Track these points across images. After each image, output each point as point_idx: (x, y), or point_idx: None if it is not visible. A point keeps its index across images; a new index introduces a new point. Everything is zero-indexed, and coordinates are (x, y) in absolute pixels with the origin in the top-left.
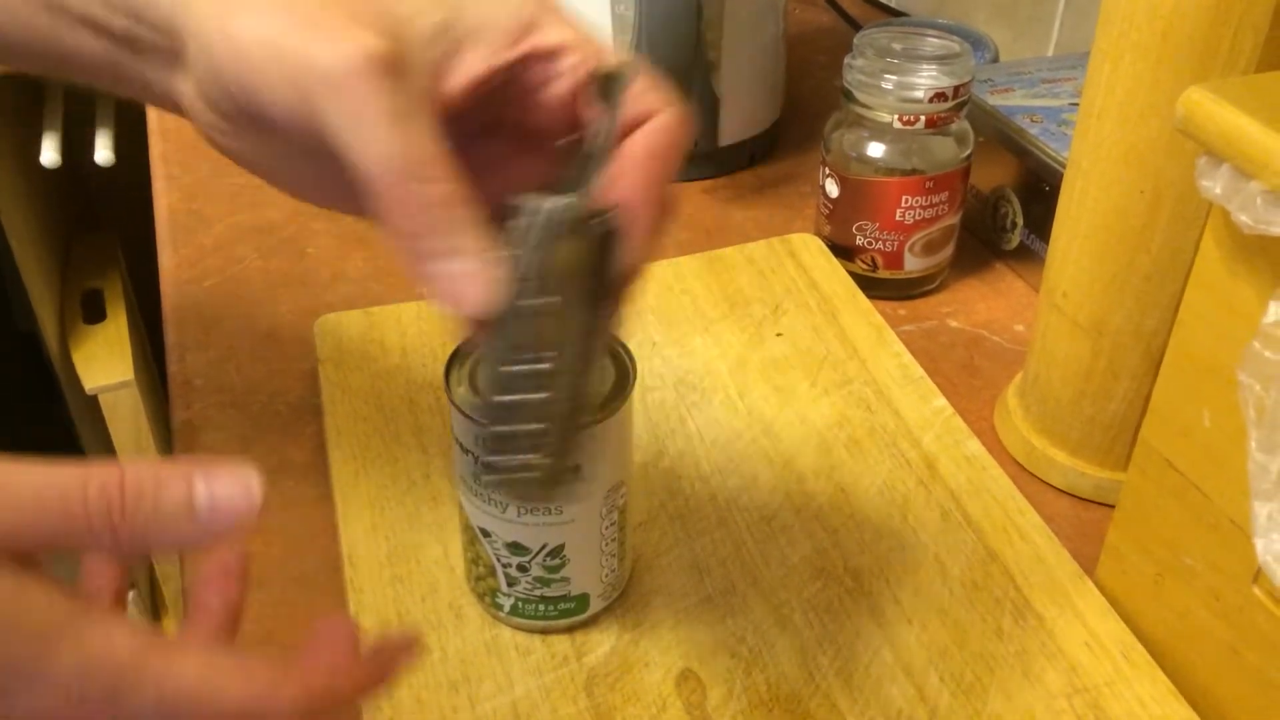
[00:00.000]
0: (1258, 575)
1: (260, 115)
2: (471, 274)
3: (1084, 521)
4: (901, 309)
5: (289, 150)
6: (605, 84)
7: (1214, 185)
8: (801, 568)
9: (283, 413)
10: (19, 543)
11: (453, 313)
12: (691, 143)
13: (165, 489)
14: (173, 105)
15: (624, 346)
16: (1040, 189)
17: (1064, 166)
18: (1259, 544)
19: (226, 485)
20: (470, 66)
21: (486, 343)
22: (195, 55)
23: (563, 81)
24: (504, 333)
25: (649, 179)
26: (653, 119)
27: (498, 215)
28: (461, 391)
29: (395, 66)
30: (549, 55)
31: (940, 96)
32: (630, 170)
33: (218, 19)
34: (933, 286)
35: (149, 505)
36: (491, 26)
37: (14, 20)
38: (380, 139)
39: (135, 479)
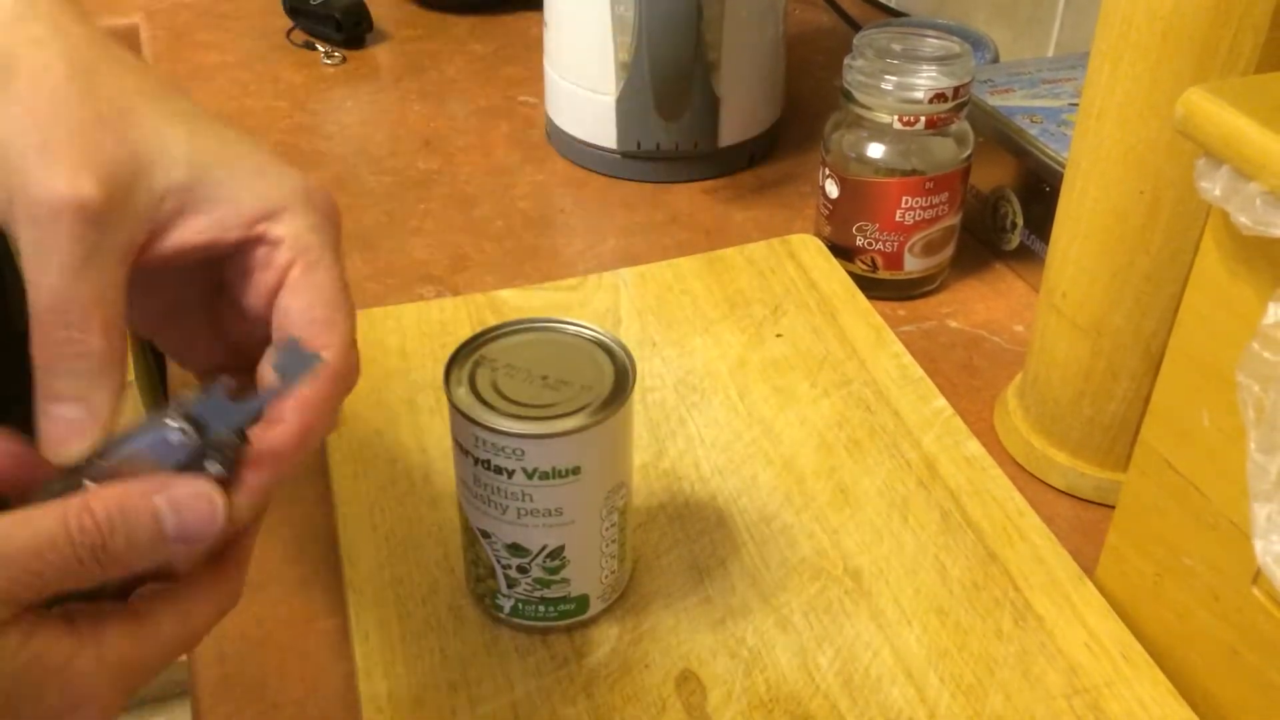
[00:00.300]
0: (1257, 576)
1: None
2: (72, 422)
3: (1084, 522)
4: (901, 309)
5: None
6: (289, 361)
7: (1213, 186)
8: (801, 568)
9: None
10: (29, 599)
11: (42, 451)
12: (692, 145)
13: (132, 520)
14: None
15: (623, 347)
16: (1040, 189)
17: (1064, 167)
18: (1258, 545)
19: (189, 505)
20: (190, 234)
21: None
22: None
23: (269, 274)
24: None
25: (303, 435)
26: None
27: (219, 367)
28: (461, 393)
29: (100, 218)
30: (272, 243)
31: (940, 97)
32: (289, 419)
33: None
34: (932, 287)
35: (121, 539)
36: (230, 202)
37: None
38: (52, 281)
39: (104, 513)
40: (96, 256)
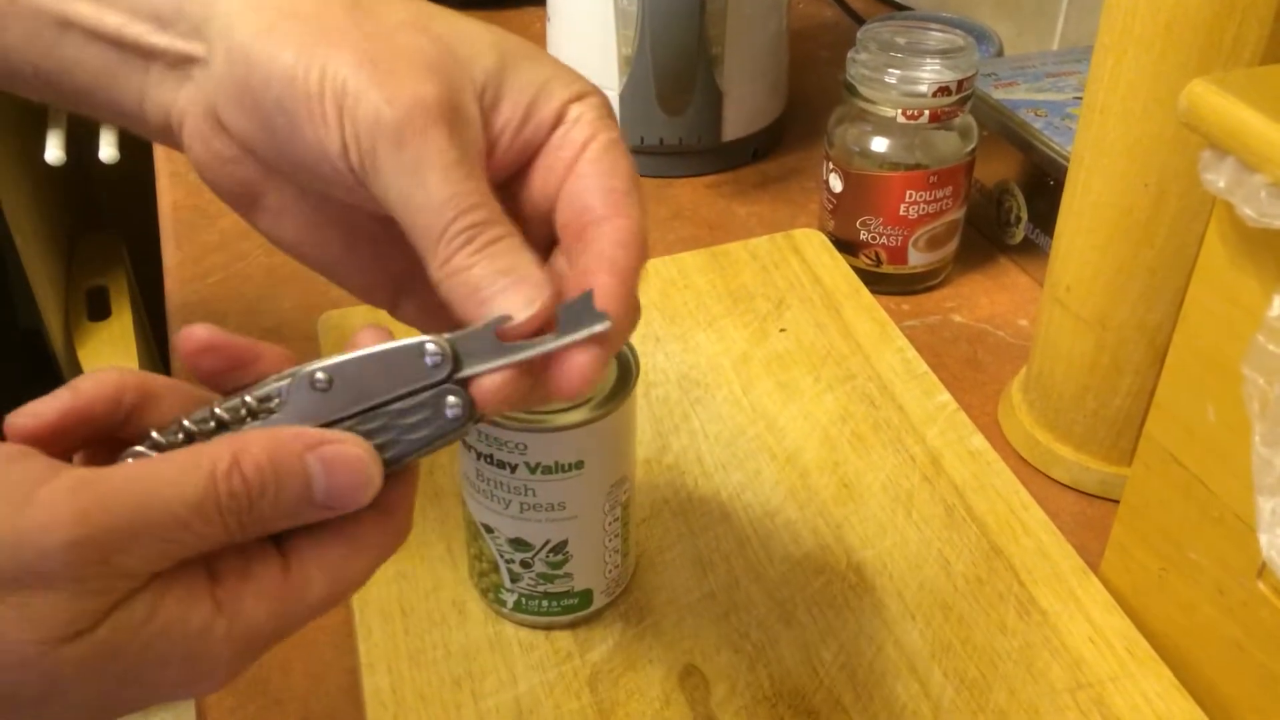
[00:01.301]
0: (1262, 570)
1: (290, 146)
2: (515, 288)
3: (1088, 517)
4: (905, 304)
5: (285, 190)
6: (572, 315)
7: (1218, 179)
8: (805, 563)
9: None
10: (163, 568)
11: (503, 332)
12: (695, 140)
13: (285, 482)
14: (161, 123)
15: (626, 343)
16: (1044, 183)
17: (1068, 161)
18: (1263, 539)
19: (343, 475)
20: (508, 119)
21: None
22: (224, 70)
23: (564, 151)
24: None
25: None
26: (613, 223)
27: None
28: None
29: (453, 116)
30: (570, 122)
31: (944, 91)
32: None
33: (266, 38)
34: (937, 281)
35: (269, 500)
36: (542, 85)
37: (14, 37)
38: (437, 190)
39: (256, 474)
40: (468, 158)
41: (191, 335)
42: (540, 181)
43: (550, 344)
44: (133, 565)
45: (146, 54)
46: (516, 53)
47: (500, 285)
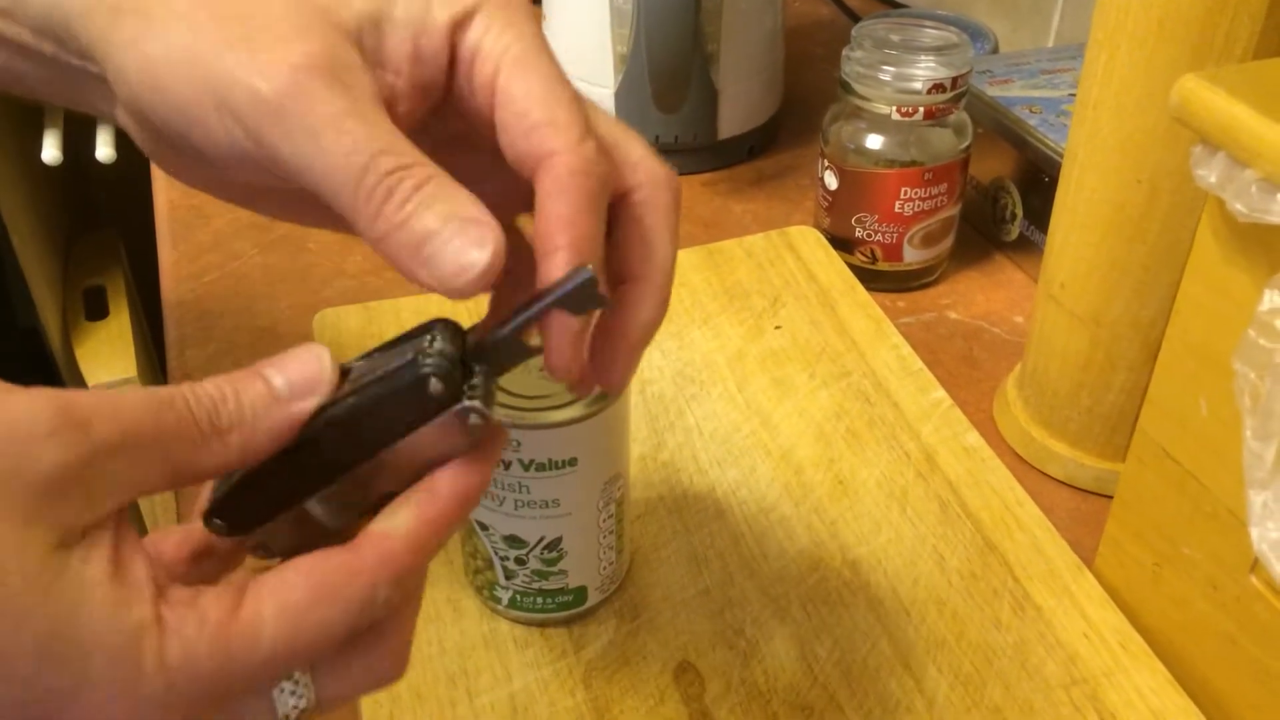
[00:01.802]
0: (1255, 565)
1: (199, 152)
2: (459, 233)
3: (1083, 512)
4: (900, 301)
5: (239, 175)
6: (578, 298)
7: (1209, 174)
8: (800, 559)
9: None
10: (146, 467)
11: (451, 288)
12: (691, 138)
13: (243, 387)
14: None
15: None
16: (1039, 180)
17: (1063, 157)
18: (1254, 532)
19: (296, 364)
20: (404, 67)
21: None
22: (118, 89)
23: (482, 91)
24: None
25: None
26: (645, 189)
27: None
28: None
29: (330, 70)
30: (473, 53)
31: (939, 88)
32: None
33: (132, 52)
34: (932, 278)
35: (233, 405)
36: (421, 20)
37: None
38: (333, 146)
39: (211, 388)
40: (359, 105)
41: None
42: (469, 108)
43: (541, 303)
44: (108, 435)
45: (66, 70)
46: None
47: (445, 235)
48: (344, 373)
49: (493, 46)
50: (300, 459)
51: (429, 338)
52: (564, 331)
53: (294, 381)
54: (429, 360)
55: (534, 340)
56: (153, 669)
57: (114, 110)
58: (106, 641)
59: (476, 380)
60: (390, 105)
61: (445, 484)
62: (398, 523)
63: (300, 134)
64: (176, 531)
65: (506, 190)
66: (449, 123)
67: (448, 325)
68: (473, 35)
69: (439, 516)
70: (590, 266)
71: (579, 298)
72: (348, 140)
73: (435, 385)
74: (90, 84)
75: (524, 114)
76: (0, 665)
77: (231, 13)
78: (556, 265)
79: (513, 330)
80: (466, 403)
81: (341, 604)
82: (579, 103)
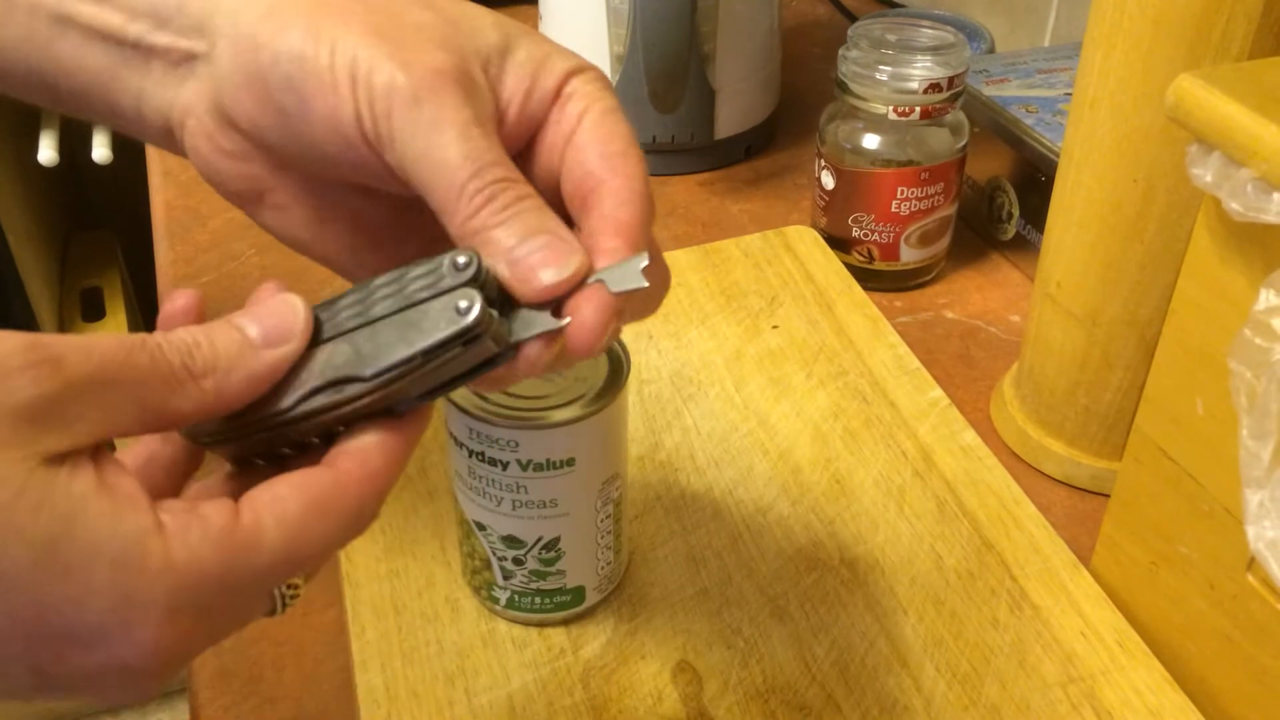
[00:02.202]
0: (1251, 563)
1: (301, 125)
2: (548, 247)
3: (1080, 511)
4: (898, 300)
5: (290, 183)
6: (624, 274)
7: (1205, 173)
8: (797, 559)
9: None
10: (120, 409)
11: (534, 293)
12: (688, 138)
13: (216, 334)
14: (160, 124)
15: (618, 340)
16: (1036, 179)
17: (1059, 157)
18: (1250, 531)
19: (270, 312)
20: (518, 99)
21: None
22: (230, 60)
23: (563, 125)
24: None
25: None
26: (611, 184)
27: None
28: None
29: (466, 82)
30: (568, 98)
31: (935, 87)
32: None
33: (270, 21)
34: (929, 278)
35: (207, 349)
36: (541, 61)
37: (11, 35)
38: (455, 145)
39: (185, 334)
40: (483, 119)
41: (175, 300)
42: (545, 159)
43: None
44: (82, 371)
45: (146, 53)
46: (517, 30)
47: (533, 245)
48: (317, 319)
49: (590, 95)
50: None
51: (472, 285)
52: (600, 301)
53: (268, 329)
54: (488, 330)
55: (563, 318)
56: (158, 570)
57: (174, 96)
58: (108, 547)
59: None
60: (499, 128)
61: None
62: (369, 439)
63: (427, 127)
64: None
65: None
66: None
67: (484, 273)
68: (578, 84)
69: (404, 432)
70: (645, 254)
71: (624, 274)
72: (469, 145)
73: (491, 347)
74: (162, 70)
75: (605, 141)
76: (2, 578)
77: (385, 13)
78: (609, 252)
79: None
80: (504, 348)
81: (334, 517)
82: (645, 163)
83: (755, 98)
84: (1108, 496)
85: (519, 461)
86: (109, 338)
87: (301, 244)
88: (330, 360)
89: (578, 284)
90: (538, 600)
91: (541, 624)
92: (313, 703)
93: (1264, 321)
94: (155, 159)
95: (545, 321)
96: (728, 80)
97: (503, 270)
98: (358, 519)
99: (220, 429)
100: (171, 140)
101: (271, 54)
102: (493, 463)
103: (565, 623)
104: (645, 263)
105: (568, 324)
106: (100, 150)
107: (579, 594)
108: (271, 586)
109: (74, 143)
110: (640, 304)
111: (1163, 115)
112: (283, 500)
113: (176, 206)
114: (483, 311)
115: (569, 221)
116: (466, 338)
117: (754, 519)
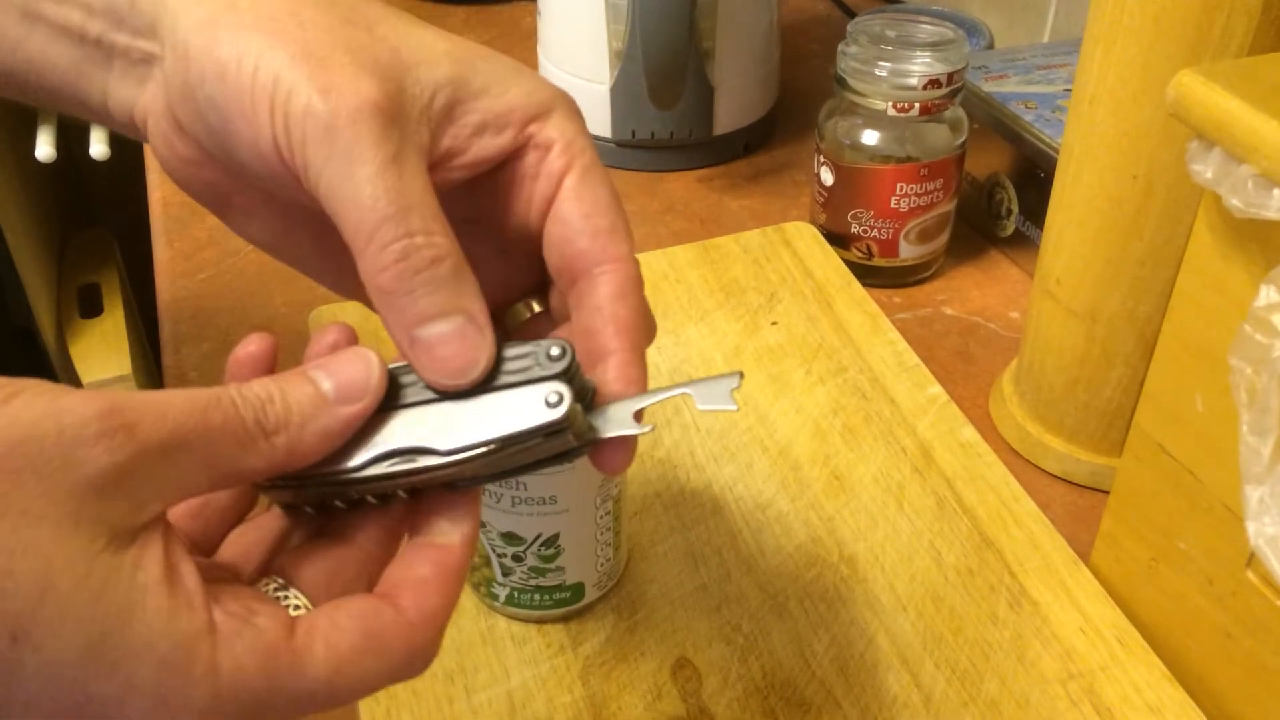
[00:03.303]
0: (1251, 560)
1: (228, 144)
2: (462, 337)
3: (1079, 507)
4: (897, 297)
5: (251, 190)
6: (717, 392)
7: (1205, 169)
8: (796, 555)
9: None
10: (193, 469)
11: (435, 380)
12: (687, 134)
13: (290, 388)
14: (126, 120)
15: None
16: (1035, 175)
17: (1058, 153)
18: (1250, 527)
19: (344, 366)
20: (462, 137)
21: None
22: (171, 66)
23: (541, 183)
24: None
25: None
26: (605, 272)
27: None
28: None
29: (394, 116)
30: (543, 147)
31: (934, 83)
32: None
33: (203, 32)
34: (928, 274)
35: (280, 406)
36: (498, 97)
37: None
38: (369, 183)
39: (258, 388)
40: (407, 156)
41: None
42: (516, 208)
43: (680, 388)
44: (156, 436)
45: (108, 51)
46: (472, 61)
47: (441, 329)
48: (392, 378)
49: (568, 148)
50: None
51: (560, 387)
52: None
53: (341, 385)
54: (570, 413)
55: (646, 425)
56: (201, 676)
57: (136, 98)
58: (157, 648)
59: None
60: (434, 168)
61: (455, 532)
62: (427, 574)
63: (341, 160)
64: None
65: (499, 280)
66: (467, 206)
67: (574, 366)
68: (549, 132)
69: (458, 565)
70: (741, 372)
71: (713, 392)
72: (384, 184)
73: (571, 441)
74: (123, 69)
75: (591, 216)
76: (48, 668)
77: (320, 30)
78: (620, 363)
79: (636, 405)
80: (581, 446)
81: (386, 657)
82: (627, 228)
83: (754, 94)
84: (1107, 493)
85: None
86: (183, 397)
87: (273, 250)
88: (409, 427)
89: (481, 377)
90: (537, 597)
91: (541, 621)
92: None
93: (1264, 318)
94: (152, 155)
95: (627, 424)
96: (727, 76)
97: (400, 343)
98: (409, 663)
99: (283, 478)
100: (140, 135)
101: (199, 69)
102: None
103: (564, 619)
104: (736, 384)
105: (649, 431)
106: (98, 147)
107: (578, 591)
108: (308, 711)
109: (72, 139)
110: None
111: (1163, 111)
112: (339, 630)
113: (174, 203)
114: (572, 406)
115: (530, 273)
116: (552, 430)
117: (753, 515)
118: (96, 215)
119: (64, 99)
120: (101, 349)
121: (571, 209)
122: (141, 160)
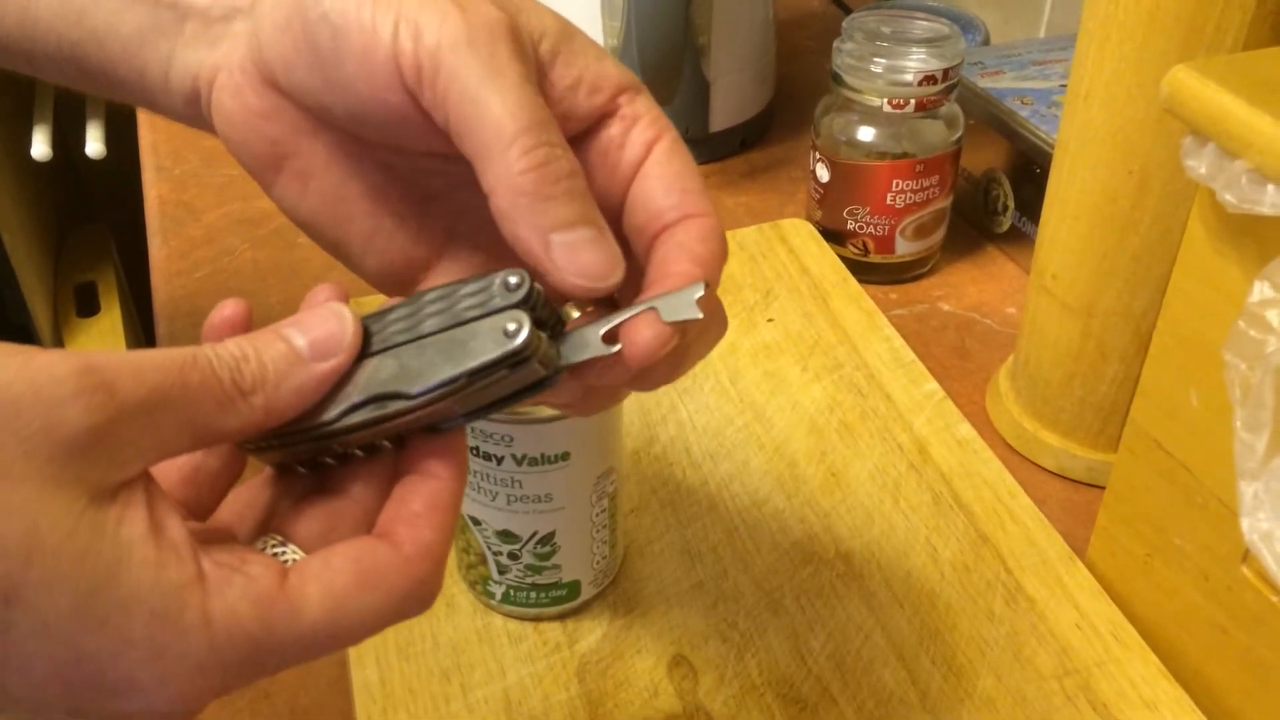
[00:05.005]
0: (1246, 555)
1: (332, 68)
2: (598, 244)
3: (1075, 503)
4: (893, 293)
5: (317, 146)
6: (682, 301)
7: (1199, 165)
8: (793, 552)
9: None
10: (171, 428)
11: (575, 284)
12: (683, 130)
13: (264, 346)
14: (187, 88)
15: None
16: (1031, 171)
17: (1054, 148)
18: (1245, 523)
19: (318, 323)
20: (566, 81)
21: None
22: (270, 2)
23: (630, 150)
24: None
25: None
26: (694, 220)
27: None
28: None
29: (518, 41)
30: (630, 119)
31: (929, 79)
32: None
33: None
34: (924, 270)
35: (255, 364)
36: (596, 65)
37: (46, 5)
38: (512, 91)
39: (232, 347)
40: (532, 78)
41: (222, 311)
42: (599, 173)
43: (646, 302)
44: (134, 394)
45: (184, 12)
46: (572, 26)
47: (579, 235)
48: (366, 330)
49: (656, 120)
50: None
51: (518, 316)
52: (655, 332)
53: (316, 341)
54: (531, 342)
55: (614, 344)
56: (194, 625)
57: (197, 64)
58: (148, 600)
59: (551, 351)
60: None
61: (443, 467)
62: (419, 508)
63: (480, 69)
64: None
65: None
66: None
67: (535, 294)
68: (639, 106)
69: (450, 498)
70: (706, 281)
71: (678, 303)
72: (524, 96)
73: (538, 370)
74: (196, 30)
75: (680, 176)
76: (39, 628)
77: None
78: (681, 275)
79: (603, 327)
80: (551, 373)
81: (383, 592)
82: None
83: (750, 90)
84: (1103, 489)
85: (514, 456)
86: (159, 356)
87: (316, 222)
88: (376, 375)
89: (609, 291)
90: (533, 595)
91: (537, 618)
92: (308, 698)
93: (1258, 314)
94: (149, 153)
95: (596, 346)
96: (722, 73)
97: (535, 247)
98: (409, 597)
99: (263, 438)
100: (195, 108)
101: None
102: (488, 457)
103: (561, 617)
104: (700, 292)
105: (618, 351)
106: (94, 145)
107: (574, 588)
108: (312, 656)
109: (67, 137)
110: (694, 344)
111: (1157, 107)
112: (333, 570)
113: (170, 201)
114: (531, 334)
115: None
116: (514, 360)
117: (749, 512)
118: (92, 213)
119: (120, 72)
120: (98, 348)
121: (664, 169)
122: (137, 159)
